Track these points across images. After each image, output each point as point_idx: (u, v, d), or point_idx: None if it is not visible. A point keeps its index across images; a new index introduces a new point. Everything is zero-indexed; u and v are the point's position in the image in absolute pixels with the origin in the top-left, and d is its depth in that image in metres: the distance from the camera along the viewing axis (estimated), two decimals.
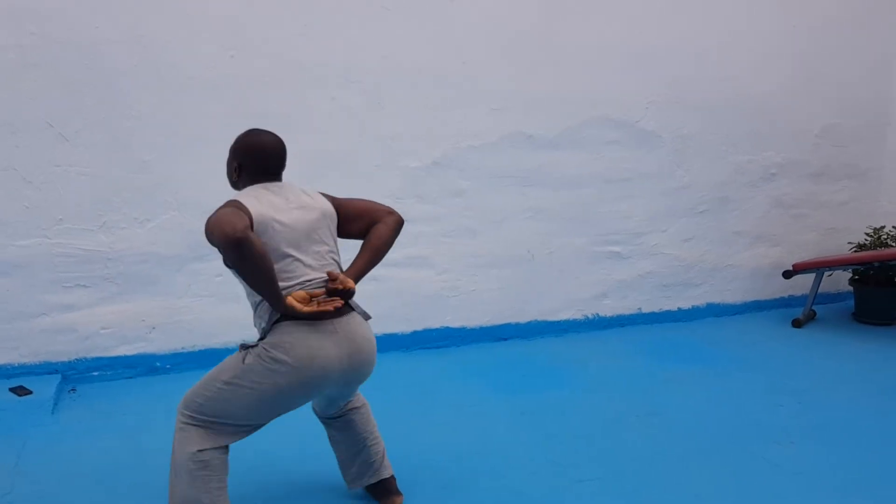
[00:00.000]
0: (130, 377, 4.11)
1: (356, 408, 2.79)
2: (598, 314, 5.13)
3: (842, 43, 5.52)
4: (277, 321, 2.33)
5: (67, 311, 3.94)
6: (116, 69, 3.83)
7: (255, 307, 2.42)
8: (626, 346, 4.81)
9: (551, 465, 3.17)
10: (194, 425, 2.42)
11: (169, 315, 4.13)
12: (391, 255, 4.43)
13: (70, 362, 4.00)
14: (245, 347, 2.38)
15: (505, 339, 4.89)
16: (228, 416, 2.40)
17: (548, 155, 4.72)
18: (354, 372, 2.46)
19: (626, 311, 5.22)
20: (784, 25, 5.31)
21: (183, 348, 4.20)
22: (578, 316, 5.08)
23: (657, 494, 2.92)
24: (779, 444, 3.35)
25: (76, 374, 4.01)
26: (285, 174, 2.62)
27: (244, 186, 2.52)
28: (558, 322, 5.02)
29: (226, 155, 4.01)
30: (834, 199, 5.74)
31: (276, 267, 2.30)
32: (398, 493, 2.81)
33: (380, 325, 4.53)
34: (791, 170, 5.52)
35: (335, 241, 2.57)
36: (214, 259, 4.13)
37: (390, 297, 4.54)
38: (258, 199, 2.37)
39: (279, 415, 2.45)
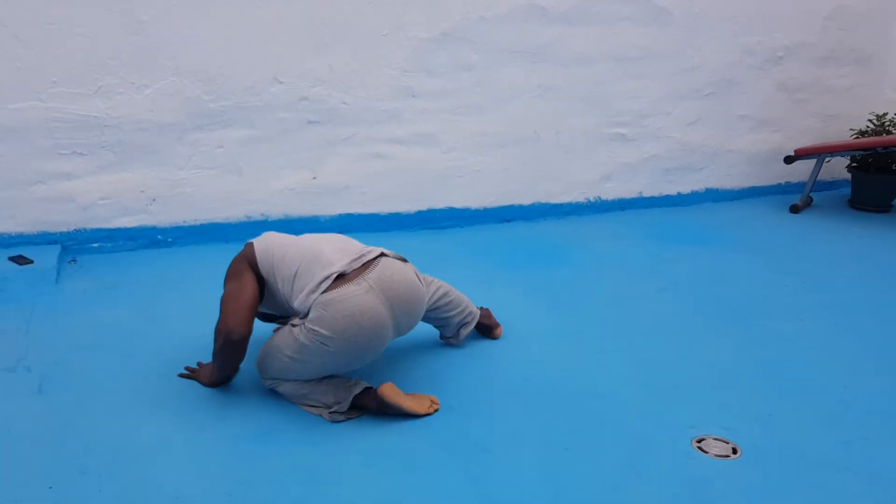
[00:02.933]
0: (132, 249, 4.02)
1: (441, 306, 2.90)
2: (599, 197, 5.10)
3: None
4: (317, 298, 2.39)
5: (65, 179, 3.79)
6: None
7: (283, 313, 2.64)
8: (628, 229, 4.81)
9: (568, 336, 3.21)
10: (282, 381, 2.54)
11: (170, 187, 4.00)
12: (397, 131, 4.36)
13: (69, 233, 3.88)
14: (289, 323, 2.46)
15: (508, 221, 4.85)
16: (303, 377, 2.50)
17: (559, 29, 4.54)
18: (406, 314, 2.51)
19: (628, 195, 5.19)
20: None
21: (185, 221, 4.09)
22: (581, 199, 5.04)
23: (677, 364, 2.97)
24: (789, 321, 3.41)
25: (76, 245, 3.90)
26: None
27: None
28: (561, 204, 4.98)
29: (230, 18, 3.81)
30: (838, 84, 5.67)
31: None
32: (497, 324, 3.14)
33: (384, 204, 4.50)
34: (798, 53, 5.40)
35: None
36: (216, 129, 4.00)
37: (395, 176, 4.44)
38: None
39: (355, 368, 2.56)
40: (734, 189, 5.56)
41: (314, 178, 4.25)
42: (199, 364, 2.77)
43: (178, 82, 3.85)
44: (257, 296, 2.51)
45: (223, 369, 2.57)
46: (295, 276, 2.46)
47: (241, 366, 2.62)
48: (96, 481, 2.12)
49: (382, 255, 2.53)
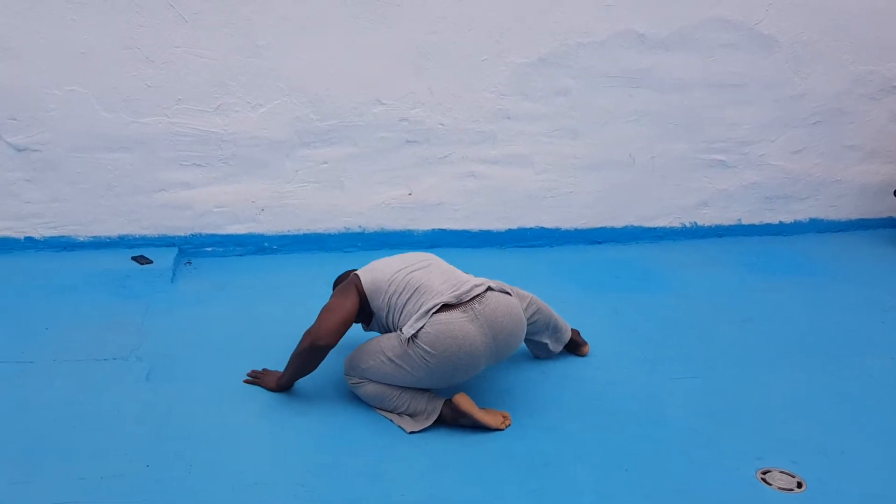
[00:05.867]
0: (241, 255, 4.33)
1: (534, 322, 3.03)
2: (695, 223, 5.06)
3: None
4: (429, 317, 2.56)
5: (184, 188, 4.14)
6: None
7: (396, 325, 2.70)
8: (722, 256, 4.74)
9: (645, 362, 3.24)
10: (368, 381, 2.72)
11: (277, 198, 4.29)
12: (491, 152, 4.51)
13: (186, 237, 4.23)
14: (398, 329, 2.64)
15: (599, 243, 4.89)
16: (393, 382, 2.67)
17: (658, 56, 4.57)
18: (504, 347, 2.68)
19: (726, 222, 5.12)
20: None
21: (289, 231, 4.38)
22: (676, 224, 5.02)
23: (752, 395, 2.96)
24: (878, 358, 3.32)
25: (191, 249, 4.25)
26: None
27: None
28: (654, 228, 4.98)
29: (338, 43, 4.08)
30: None
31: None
32: (585, 342, 3.28)
33: (475, 222, 4.64)
34: None
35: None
36: (321, 147, 4.26)
37: (488, 194, 4.58)
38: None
39: (444, 386, 2.71)
40: (840, 220, 5.38)
41: (409, 194, 4.45)
42: (264, 370, 2.96)
43: (288, 102, 4.13)
44: (354, 315, 2.72)
45: (296, 372, 2.74)
46: (405, 304, 2.66)
47: (323, 371, 2.80)
48: (187, 464, 2.36)
49: (489, 289, 2.69)
